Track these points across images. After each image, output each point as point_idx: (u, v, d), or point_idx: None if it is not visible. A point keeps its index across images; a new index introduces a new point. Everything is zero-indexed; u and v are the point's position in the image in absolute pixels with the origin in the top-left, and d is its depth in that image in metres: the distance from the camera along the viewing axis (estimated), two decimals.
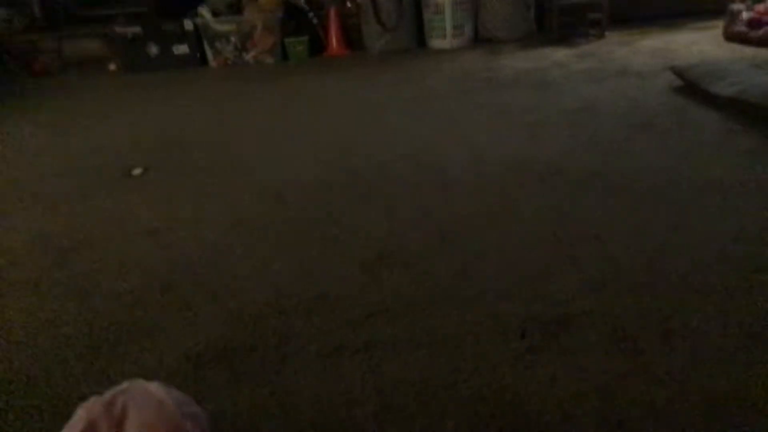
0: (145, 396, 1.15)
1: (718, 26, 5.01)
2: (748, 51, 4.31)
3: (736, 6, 4.96)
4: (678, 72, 3.67)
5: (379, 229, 2.25)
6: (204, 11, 5.64)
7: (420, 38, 5.77)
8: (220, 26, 5.62)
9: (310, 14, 5.80)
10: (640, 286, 1.74)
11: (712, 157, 2.59)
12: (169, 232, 2.38)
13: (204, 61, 5.75)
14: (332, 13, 5.73)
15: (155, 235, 2.37)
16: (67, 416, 1.15)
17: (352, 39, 5.87)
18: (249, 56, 5.69)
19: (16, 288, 2.06)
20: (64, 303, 1.94)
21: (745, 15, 4.80)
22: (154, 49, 5.71)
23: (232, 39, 5.64)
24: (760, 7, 4.78)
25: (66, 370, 1.62)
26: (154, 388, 1.18)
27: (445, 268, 1.94)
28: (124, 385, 1.18)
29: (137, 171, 3.02)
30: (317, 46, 5.81)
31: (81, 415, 1.11)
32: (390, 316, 1.71)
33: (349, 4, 5.85)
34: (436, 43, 5.65)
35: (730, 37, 4.79)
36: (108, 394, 1.15)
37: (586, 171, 2.58)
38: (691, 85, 3.51)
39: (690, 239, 1.97)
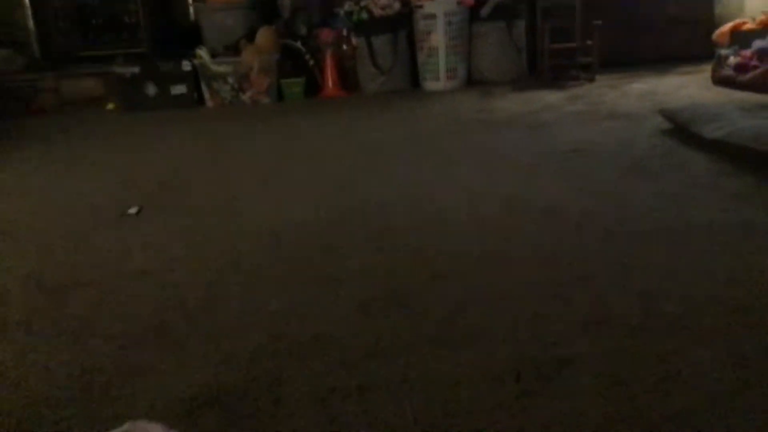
0: None
1: (705, 70, 5.13)
2: (736, 95, 4.40)
3: (723, 51, 5.09)
4: (667, 115, 3.74)
5: (375, 268, 2.26)
6: (202, 52, 5.74)
7: (414, 80, 5.88)
8: (218, 67, 5.71)
9: (307, 56, 5.91)
10: (634, 329, 1.74)
11: (702, 200, 2.63)
12: (163, 273, 2.37)
13: (201, 101, 5.83)
14: (328, 55, 5.84)
15: (150, 275, 2.36)
16: None
17: (348, 81, 5.97)
18: (246, 96, 5.76)
19: (9, 328, 2.05)
20: (57, 345, 1.92)
21: (732, 60, 4.91)
22: (151, 89, 5.78)
23: (229, 79, 5.72)
24: (746, 53, 4.90)
25: (57, 414, 1.60)
26: (157, 429, 1.17)
27: (440, 309, 1.94)
28: (126, 426, 1.18)
29: (132, 210, 3.03)
30: (313, 88, 5.90)
31: None
32: (384, 358, 1.71)
33: (345, 47, 5.97)
34: (430, 85, 5.76)
35: (718, 81, 4.90)
36: None
37: (579, 212, 2.61)
38: (680, 128, 3.57)
39: (682, 282, 1.98)
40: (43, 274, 2.44)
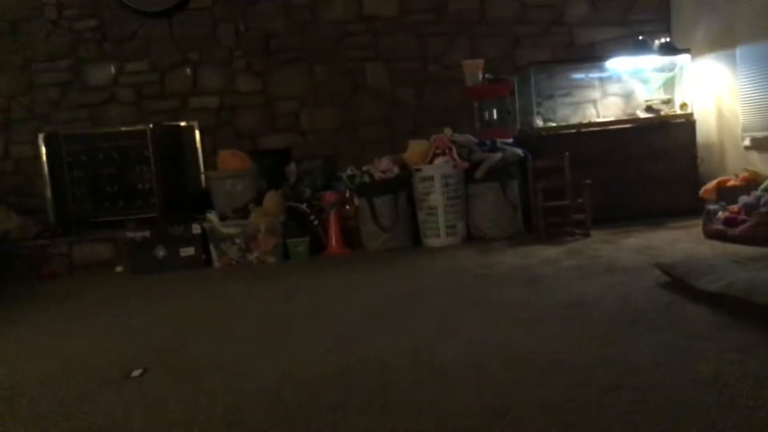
0: None
1: (696, 224, 5.32)
2: (728, 248, 4.53)
3: (711, 206, 5.31)
4: (664, 268, 3.83)
5: (379, 430, 2.22)
6: (212, 216, 5.99)
7: (416, 237, 6.07)
8: (227, 229, 5.93)
9: (311, 217, 6.16)
10: None
11: (705, 352, 2.63)
12: None
13: (209, 261, 5.99)
14: (332, 215, 6.08)
15: None
16: None
17: (351, 239, 6.17)
18: (252, 256, 5.93)
19: None
20: None
21: (721, 214, 5.11)
22: (161, 252, 5.96)
23: (237, 241, 5.92)
24: (734, 207, 5.11)
25: None
26: None
27: None
28: None
29: (136, 373, 3.02)
30: (318, 246, 6.09)
31: None
32: None
33: (347, 207, 6.23)
34: (431, 241, 5.94)
35: (710, 234, 5.07)
36: None
37: (583, 366, 2.61)
38: (677, 281, 3.65)
39: None
40: None
